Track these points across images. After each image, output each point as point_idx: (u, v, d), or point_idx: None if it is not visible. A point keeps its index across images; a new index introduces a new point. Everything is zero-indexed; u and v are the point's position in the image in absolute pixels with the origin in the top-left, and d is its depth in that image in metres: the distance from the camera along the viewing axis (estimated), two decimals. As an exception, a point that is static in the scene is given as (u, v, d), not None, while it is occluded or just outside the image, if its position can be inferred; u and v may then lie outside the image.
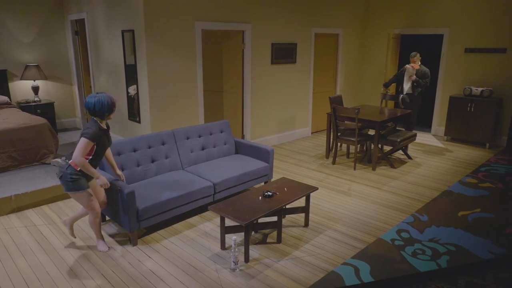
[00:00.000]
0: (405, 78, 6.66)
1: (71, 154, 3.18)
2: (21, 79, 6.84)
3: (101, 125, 3.23)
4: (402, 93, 6.75)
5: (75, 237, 3.68)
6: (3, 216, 4.16)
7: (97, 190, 3.51)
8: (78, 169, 3.19)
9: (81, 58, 7.25)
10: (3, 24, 6.59)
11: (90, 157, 3.21)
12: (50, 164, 5.18)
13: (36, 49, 7.04)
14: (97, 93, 3.23)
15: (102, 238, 3.55)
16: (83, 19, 6.63)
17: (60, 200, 4.55)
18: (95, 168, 3.29)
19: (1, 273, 3.16)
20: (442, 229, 3.95)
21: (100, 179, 3.24)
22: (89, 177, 3.29)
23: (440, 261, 3.37)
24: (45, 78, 6.98)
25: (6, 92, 6.72)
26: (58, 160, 5.13)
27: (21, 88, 6.99)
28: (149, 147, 4.27)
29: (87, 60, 7.13)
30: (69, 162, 3.19)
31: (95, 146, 3.19)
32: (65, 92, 7.57)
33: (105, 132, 3.28)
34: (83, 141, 3.09)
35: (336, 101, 6.39)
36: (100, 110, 3.16)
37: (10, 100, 6.65)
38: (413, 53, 6.59)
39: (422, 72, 6.49)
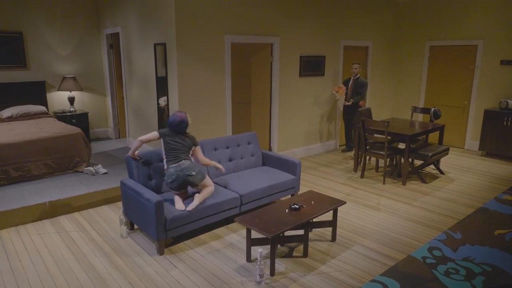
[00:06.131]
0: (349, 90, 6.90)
1: (192, 156, 3.92)
2: (58, 90, 7.13)
3: None
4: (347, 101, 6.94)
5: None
6: (37, 222, 4.30)
7: None
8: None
9: (114, 70, 7.50)
10: (44, 38, 6.92)
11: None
12: (82, 172, 5.34)
13: (73, 61, 7.34)
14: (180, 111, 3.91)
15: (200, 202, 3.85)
16: (118, 33, 6.87)
17: (90, 208, 4.67)
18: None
19: (33, 276, 3.25)
20: (477, 248, 3.77)
21: (213, 163, 4.08)
22: None
23: (475, 281, 3.21)
24: (81, 89, 7.24)
25: (44, 102, 7.01)
26: (91, 168, 5.31)
27: (58, 98, 7.28)
28: (178, 158, 4.31)
29: (120, 72, 7.36)
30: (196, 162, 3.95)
31: None
32: (98, 103, 7.82)
33: None
34: (200, 147, 4.20)
35: (365, 114, 6.29)
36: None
37: (48, 110, 6.92)
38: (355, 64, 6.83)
39: (361, 84, 6.76)
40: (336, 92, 6.80)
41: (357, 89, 6.79)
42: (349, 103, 6.84)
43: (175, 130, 3.83)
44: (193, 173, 3.74)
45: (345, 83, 6.99)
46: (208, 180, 3.92)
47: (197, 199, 3.79)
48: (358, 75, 6.80)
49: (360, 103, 6.77)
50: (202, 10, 5.23)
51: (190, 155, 3.88)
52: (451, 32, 7.61)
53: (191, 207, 3.71)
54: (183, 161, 3.76)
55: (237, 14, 5.59)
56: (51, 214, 4.41)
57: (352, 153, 7.16)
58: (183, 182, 3.73)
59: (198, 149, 3.95)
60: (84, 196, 4.61)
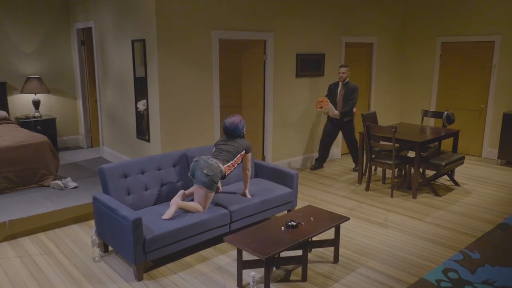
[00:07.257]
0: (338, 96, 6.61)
1: (219, 157, 4.07)
2: (21, 92, 7.08)
3: None
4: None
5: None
6: (-4, 244, 4.25)
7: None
8: (224, 174, 4.04)
9: (86, 70, 7.48)
10: (4, 33, 6.89)
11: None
12: (49, 186, 5.29)
13: (38, 60, 7.31)
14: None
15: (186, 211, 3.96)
16: (90, 27, 6.87)
17: (58, 228, 4.62)
18: None
19: (-9, 308, 3.21)
20: (498, 269, 3.79)
21: (247, 186, 4.44)
22: None
23: (495, 307, 3.22)
24: (47, 91, 7.21)
25: (5, 107, 6.96)
26: (59, 182, 5.26)
27: (21, 102, 7.24)
28: (159, 169, 4.31)
29: (93, 72, 7.34)
30: (223, 166, 4.00)
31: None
32: (68, 107, 7.78)
33: None
34: (251, 155, 4.41)
35: (369, 119, 6.34)
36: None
37: (8, 115, 6.87)
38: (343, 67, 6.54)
39: (353, 89, 6.47)
40: (321, 108, 6.38)
41: (349, 96, 6.45)
42: (336, 113, 6.45)
43: (230, 135, 4.25)
44: (211, 173, 3.89)
45: (332, 89, 6.67)
46: (208, 201, 4.03)
47: (175, 205, 3.83)
48: (347, 79, 6.53)
49: (354, 111, 6.59)
50: (187, 2, 5.25)
51: (228, 163, 4.09)
52: (465, 27, 7.73)
53: (167, 215, 3.77)
54: (218, 160, 4.02)
55: (226, 7, 5.63)
56: (11, 236, 4.34)
57: (322, 170, 6.96)
58: (198, 168, 3.92)
59: (247, 156, 4.29)
60: (51, 214, 4.56)
